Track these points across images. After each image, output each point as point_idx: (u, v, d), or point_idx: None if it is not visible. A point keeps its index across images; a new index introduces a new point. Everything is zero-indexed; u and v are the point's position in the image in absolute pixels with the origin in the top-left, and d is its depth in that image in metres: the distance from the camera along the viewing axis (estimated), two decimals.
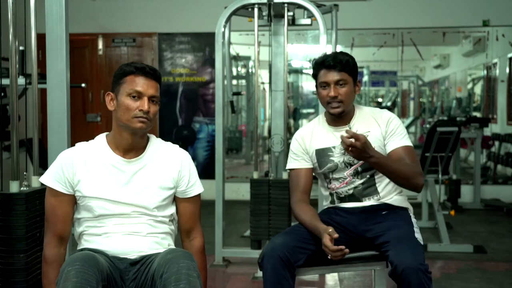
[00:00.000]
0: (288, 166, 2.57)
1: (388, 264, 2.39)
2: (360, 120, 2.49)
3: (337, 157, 2.46)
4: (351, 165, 2.45)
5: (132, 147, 2.08)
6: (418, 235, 2.31)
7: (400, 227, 2.34)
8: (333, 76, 2.41)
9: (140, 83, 2.02)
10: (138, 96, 2.02)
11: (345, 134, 2.26)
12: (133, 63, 2.07)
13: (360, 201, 2.46)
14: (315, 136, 2.52)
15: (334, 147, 2.47)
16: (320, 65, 2.44)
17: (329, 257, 2.23)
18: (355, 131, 2.42)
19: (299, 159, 2.52)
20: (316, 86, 2.50)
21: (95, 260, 1.88)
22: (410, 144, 2.45)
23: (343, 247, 2.18)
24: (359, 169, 2.45)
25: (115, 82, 2.07)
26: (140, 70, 2.03)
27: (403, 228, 2.33)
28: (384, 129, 2.45)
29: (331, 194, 2.53)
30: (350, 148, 2.22)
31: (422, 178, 2.41)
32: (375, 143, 2.43)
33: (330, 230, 2.21)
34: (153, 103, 2.04)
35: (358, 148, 2.22)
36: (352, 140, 2.21)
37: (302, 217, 2.39)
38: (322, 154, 2.48)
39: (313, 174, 2.55)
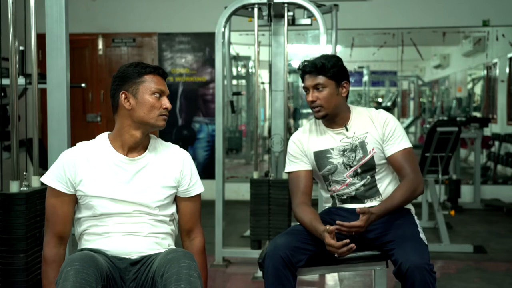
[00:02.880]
0: (287, 169, 2.55)
1: (388, 264, 2.40)
2: (356, 122, 2.48)
3: (336, 158, 2.45)
4: (350, 167, 2.44)
5: (137, 145, 2.09)
6: (422, 235, 2.31)
7: (404, 227, 2.34)
8: (311, 80, 2.43)
9: (160, 82, 2.09)
10: (160, 94, 2.07)
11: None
12: (140, 63, 2.09)
13: (363, 202, 2.45)
14: (312, 138, 2.51)
15: (332, 149, 2.47)
16: (302, 70, 2.47)
17: (336, 256, 2.22)
18: (352, 134, 2.43)
19: (298, 161, 2.51)
20: None
21: (94, 260, 1.88)
22: (408, 145, 2.44)
23: (347, 240, 2.17)
24: (359, 170, 2.44)
25: (129, 81, 2.06)
26: (156, 70, 2.09)
27: (407, 228, 2.33)
28: (382, 132, 2.44)
29: (332, 197, 2.52)
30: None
31: (422, 184, 2.41)
32: (373, 144, 2.43)
33: (326, 227, 2.20)
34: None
35: (366, 228, 2.22)
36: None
37: (304, 220, 2.38)
38: (320, 156, 2.48)
39: (313, 177, 2.54)
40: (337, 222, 2.20)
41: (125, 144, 2.08)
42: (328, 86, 2.42)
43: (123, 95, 2.07)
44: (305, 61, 2.48)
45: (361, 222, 2.19)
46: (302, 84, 2.50)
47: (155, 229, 2.08)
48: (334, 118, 2.46)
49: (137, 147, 2.09)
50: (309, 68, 2.42)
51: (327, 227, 2.20)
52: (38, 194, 2.43)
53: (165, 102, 2.08)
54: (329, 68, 2.41)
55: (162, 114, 2.07)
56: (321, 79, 2.41)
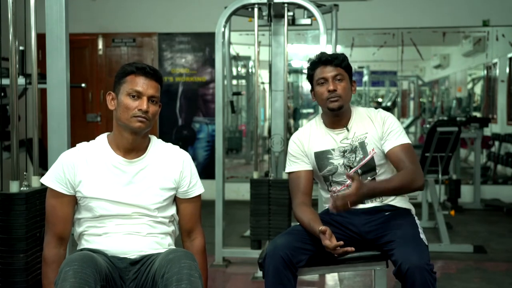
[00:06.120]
0: (288, 169, 2.54)
1: (388, 264, 2.40)
2: (357, 122, 2.48)
3: (337, 159, 2.45)
4: (351, 168, 2.43)
5: (133, 147, 2.08)
6: (423, 236, 2.30)
7: (404, 227, 2.33)
8: (331, 71, 2.42)
9: (140, 83, 2.03)
10: (137, 95, 2.03)
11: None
12: (135, 63, 2.07)
13: (363, 203, 2.43)
14: (313, 138, 2.50)
15: (333, 150, 2.46)
16: (317, 63, 2.45)
17: (335, 255, 2.23)
18: (353, 134, 2.43)
19: (298, 161, 2.50)
20: (312, 87, 2.50)
21: (93, 260, 1.88)
22: (407, 141, 2.43)
23: (341, 242, 2.18)
24: (359, 171, 2.43)
25: (116, 82, 2.08)
26: (140, 70, 2.04)
27: (407, 228, 2.33)
28: (381, 130, 2.44)
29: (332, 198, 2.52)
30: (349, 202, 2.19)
31: (422, 177, 2.39)
32: (373, 144, 2.43)
33: (320, 228, 2.20)
34: (153, 103, 2.05)
35: (357, 197, 2.21)
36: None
37: (303, 220, 2.37)
38: (321, 157, 2.47)
39: (313, 177, 2.54)
40: (331, 195, 2.18)
41: (120, 146, 2.08)
42: (345, 79, 2.44)
43: (109, 96, 2.09)
44: (320, 54, 2.49)
45: (352, 189, 2.18)
46: (305, 80, 2.50)
47: (154, 229, 2.08)
48: (339, 116, 2.46)
49: (134, 148, 2.08)
50: (330, 58, 2.43)
51: (320, 228, 2.21)
52: (38, 194, 2.43)
53: (141, 104, 2.01)
54: (346, 61, 2.45)
55: (136, 116, 2.01)
56: (341, 70, 2.43)
